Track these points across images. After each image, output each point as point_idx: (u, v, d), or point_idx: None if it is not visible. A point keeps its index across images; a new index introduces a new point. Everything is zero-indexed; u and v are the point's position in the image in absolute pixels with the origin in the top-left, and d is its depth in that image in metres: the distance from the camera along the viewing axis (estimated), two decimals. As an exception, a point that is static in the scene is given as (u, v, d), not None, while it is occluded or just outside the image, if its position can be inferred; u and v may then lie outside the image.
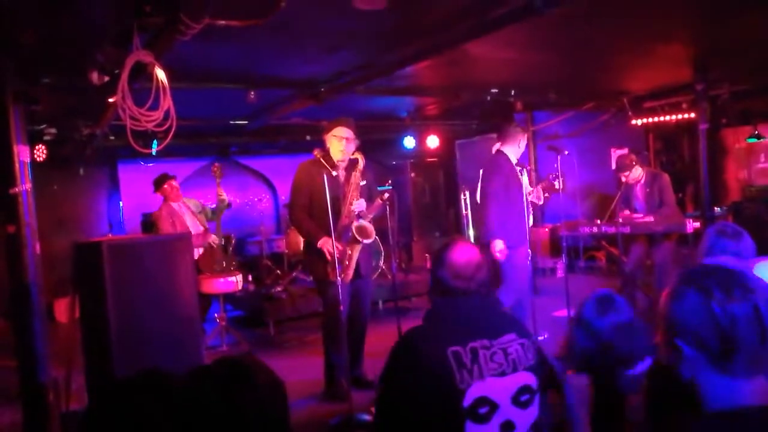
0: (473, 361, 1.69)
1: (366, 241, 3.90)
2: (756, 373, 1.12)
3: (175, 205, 5.50)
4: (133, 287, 2.85)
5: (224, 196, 5.48)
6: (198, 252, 5.37)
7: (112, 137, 6.33)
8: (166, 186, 5.50)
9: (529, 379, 1.78)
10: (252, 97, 5.11)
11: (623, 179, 5.34)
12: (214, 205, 5.67)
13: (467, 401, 1.66)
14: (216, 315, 5.35)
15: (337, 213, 3.83)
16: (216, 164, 5.55)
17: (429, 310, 1.88)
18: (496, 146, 4.75)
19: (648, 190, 5.36)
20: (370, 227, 3.96)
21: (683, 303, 1.15)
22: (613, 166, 7.32)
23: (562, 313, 5.02)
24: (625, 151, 5.67)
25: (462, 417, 1.65)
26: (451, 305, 1.83)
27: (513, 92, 6.61)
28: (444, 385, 1.65)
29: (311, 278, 5.27)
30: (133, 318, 2.82)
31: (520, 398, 1.75)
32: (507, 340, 1.79)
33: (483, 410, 1.68)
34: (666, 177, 5.52)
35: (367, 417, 3.57)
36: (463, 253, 1.88)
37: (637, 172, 5.36)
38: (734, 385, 1.12)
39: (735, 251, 2.33)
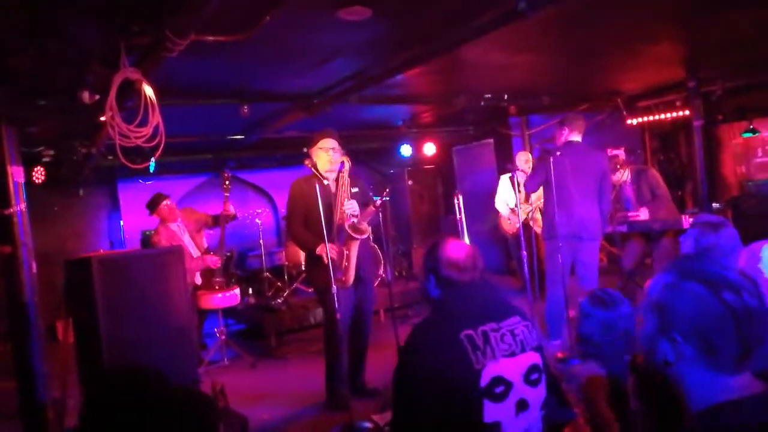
0: (485, 342, 1.77)
1: (361, 237, 3.93)
2: (744, 369, 1.08)
3: (173, 226, 5.31)
4: (124, 301, 2.87)
5: (232, 210, 5.36)
6: (197, 277, 5.30)
7: (110, 156, 6.36)
8: (162, 207, 5.27)
9: (536, 358, 1.86)
10: (245, 111, 5.15)
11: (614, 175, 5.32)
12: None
13: (484, 381, 1.72)
14: (216, 329, 5.35)
15: (331, 220, 3.88)
16: (227, 174, 5.36)
17: (435, 304, 1.95)
18: (566, 135, 4.75)
19: (635, 186, 5.36)
20: (365, 225, 3.99)
21: (685, 297, 1.09)
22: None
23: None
24: (621, 150, 5.67)
25: (480, 396, 1.71)
26: (458, 295, 1.90)
27: (506, 96, 6.63)
28: (461, 367, 1.71)
29: (312, 289, 5.25)
30: (126, 332, 2.83)
31: (530, 377, 1.82)
32: (513, 322, 1.88)
33: (499, 389, 1.74)
34: (653, 171, 5.51)
35: (368, 425, 3.56)
36: (460, 248, 1.98)
37: (624, 174, 5.35)
38: (720, 381, 1.07)
39: (714, 243, 2.34)
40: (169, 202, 5.32)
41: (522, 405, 1.79)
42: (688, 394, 1.11)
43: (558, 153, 4.61)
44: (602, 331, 2.05)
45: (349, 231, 3.89)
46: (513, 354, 1.80)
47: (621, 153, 5.42)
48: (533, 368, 1.83)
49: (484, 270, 1.99)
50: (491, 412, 1.72)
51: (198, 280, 5.29)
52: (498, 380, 1.74)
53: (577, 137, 4.76)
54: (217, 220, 5.44)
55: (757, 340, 1.03)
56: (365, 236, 3.99)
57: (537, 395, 1.84)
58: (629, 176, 5.37)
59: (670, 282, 1.13)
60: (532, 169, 5.17)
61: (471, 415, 1.70)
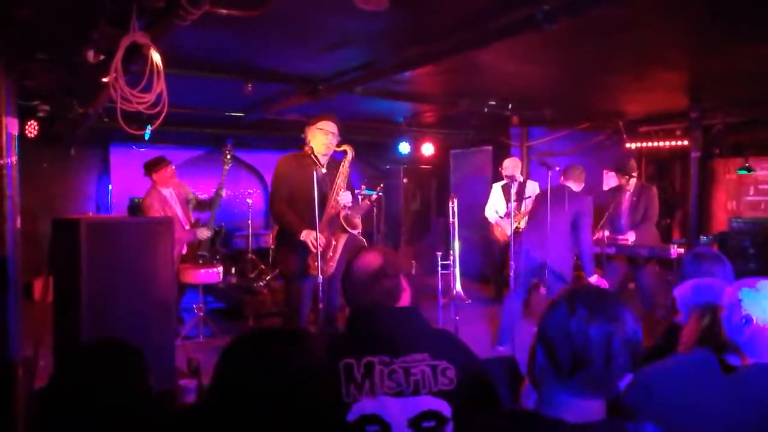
0: (366, 376, 1.61)
1: (353, 231, 3.88)
2: (594, 395, 1.22)
3: (165, 191, 5.17)
4: (109, 267, 2.81)
5: (223, 186, 5.21)
6: (185, 249, 5.24)
7: (106, 119, 6.27)
8: (162, 170, 5.11)
9: (437, 404, 1.64)
10: (249, 88, 5.10)
11: (624, 179, 5.29)
12: (205, 196, 5.53)
13: (352, 416, 1.59)
14: (195, 305, 5.30)
15: (321, 206, 3.77)
16: (228, 148, 5.20)
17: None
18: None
19: (635, 199, 5.31)
20: (357, 219, 3.94)
21: (552, 314, 1.24)
22: (605, 187, 7.34)
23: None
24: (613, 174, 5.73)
25: (345, 431, 1.58)
26: (357, 318, 1.75)
27: (510, 105, 6.63)
28: (327, 396, 1.58)
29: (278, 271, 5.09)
30: (107, 298, 2.78)
31: (421, 423, 1.62)
32: (413, 359, 1.65)
33: (372, 428, 1.59)
34: (654, 190, 5.48)
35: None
36: (364, 263, 1.77)
37: (632, 181, 5.35)
38: (570, 400, 1.21)
39: (723, 275, 2.32)
40: (171, 168, 5.19)
41: None
42: (542, 403, 1.26)
43: (557, 168, 4.70)
44: None
45: (343, 223, 3.83)
46: (400, 394, 1.61)
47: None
48: (428, 415, 1.62)
49: (387, 294, 1.73)
50: None
51: (184, 250, 5.23)
52: (371, 419, 1.59)
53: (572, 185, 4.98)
54: (202, 205, 5.36)
55: (585, 362, 1.19)
56: (357, 231, 3.94)
57: None
58: (633, 188, 5.33)
59: (554, 299, 1.27)
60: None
61: None
